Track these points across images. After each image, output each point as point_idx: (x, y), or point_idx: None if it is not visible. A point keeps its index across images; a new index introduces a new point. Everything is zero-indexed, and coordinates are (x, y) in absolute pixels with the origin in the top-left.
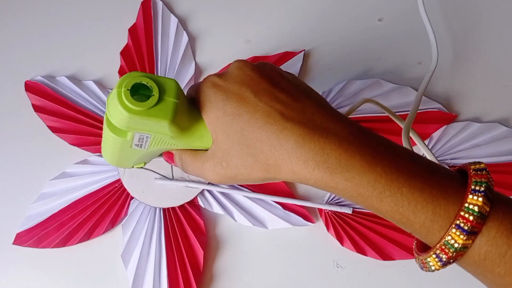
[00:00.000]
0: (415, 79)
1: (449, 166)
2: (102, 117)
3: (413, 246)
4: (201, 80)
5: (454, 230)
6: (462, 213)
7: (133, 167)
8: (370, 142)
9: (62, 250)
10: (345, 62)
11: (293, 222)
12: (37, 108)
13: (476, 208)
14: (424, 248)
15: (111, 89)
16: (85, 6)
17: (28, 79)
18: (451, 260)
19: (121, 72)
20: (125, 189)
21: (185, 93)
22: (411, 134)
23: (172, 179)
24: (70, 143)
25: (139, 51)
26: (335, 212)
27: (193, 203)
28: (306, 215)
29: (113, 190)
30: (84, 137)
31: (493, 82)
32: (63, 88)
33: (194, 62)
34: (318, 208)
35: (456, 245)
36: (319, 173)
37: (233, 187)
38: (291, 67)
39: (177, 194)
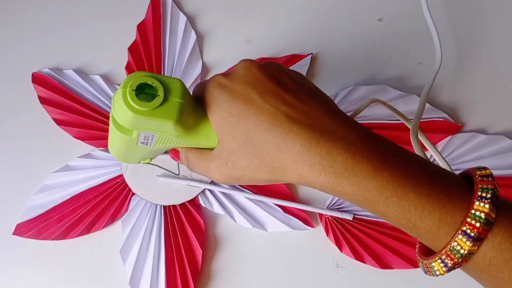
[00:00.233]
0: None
1: None
2: (108, 112)
3: (416, 249)
4: (207, 78)
5: (460, 237)
6: (468, 220)
7: (139, 162)
8: (378, 146)
9: (61, 245)
10: (351, 65)
11: (293, 225)
12: (43, 100)
13: (482, 215)
14: (427, 251)
15: (118, 84)
16: (94, 1)
17: (35, 71)
18: (456, 266)
19: (128, 68)
20: (126, 185)
21: (191, 91)
22: (419, 135)
23: (178, 174)
24: (74, 136)
25: (147, 48)
26: (335, 218)
27: (194, 201)
28: (306, 219)
29: (115, 185)
30: (88, 131)
31: (499, 88)
32: (69, 81)
33: (201, 60)
34: (319, 213)
35: (462, 251)
36: (325, 177)
37: (234, 187)
38: (298, 70)
39: (178, 192)
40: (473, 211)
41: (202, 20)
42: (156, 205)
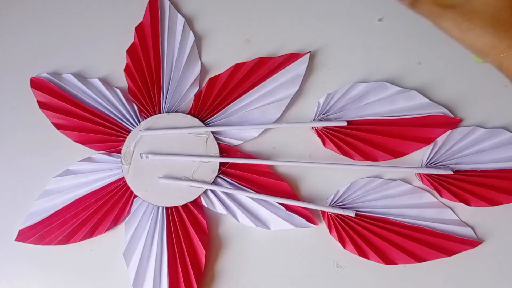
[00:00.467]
0: (419, 82)
1: (453, 171)
2: (107, 115)
3: None
4: (206, 80)
5: None
6: None
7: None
8: None
9: (65, 249)
10: (350, 65)
11: (296, 223)
12: (42, 105)
13: None
14: None
15: (116, 87)
16: (92, 4)
17: (33, 75)
18: None
19: (127, 70)
20: (128, 187)
21: (192, 92)
22: None
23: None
24: (74, 140)
25: (146, 50)
26: (338, 215)
27: (196, 202)
28: (309, 216)
29: (117, 188)
30: (88, 134)
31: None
32: (68, 85)
33: (200, 61)
34: (321, 210)
35: None
36: None
37: (236, 187)
38: (297, 68)
39: (180, 193)
40: None
41: (200, 21)
42: (158, 206)
